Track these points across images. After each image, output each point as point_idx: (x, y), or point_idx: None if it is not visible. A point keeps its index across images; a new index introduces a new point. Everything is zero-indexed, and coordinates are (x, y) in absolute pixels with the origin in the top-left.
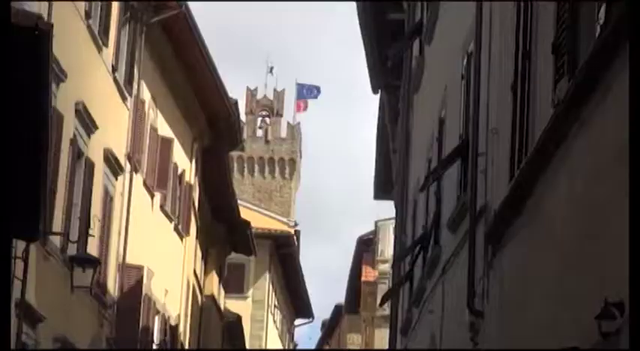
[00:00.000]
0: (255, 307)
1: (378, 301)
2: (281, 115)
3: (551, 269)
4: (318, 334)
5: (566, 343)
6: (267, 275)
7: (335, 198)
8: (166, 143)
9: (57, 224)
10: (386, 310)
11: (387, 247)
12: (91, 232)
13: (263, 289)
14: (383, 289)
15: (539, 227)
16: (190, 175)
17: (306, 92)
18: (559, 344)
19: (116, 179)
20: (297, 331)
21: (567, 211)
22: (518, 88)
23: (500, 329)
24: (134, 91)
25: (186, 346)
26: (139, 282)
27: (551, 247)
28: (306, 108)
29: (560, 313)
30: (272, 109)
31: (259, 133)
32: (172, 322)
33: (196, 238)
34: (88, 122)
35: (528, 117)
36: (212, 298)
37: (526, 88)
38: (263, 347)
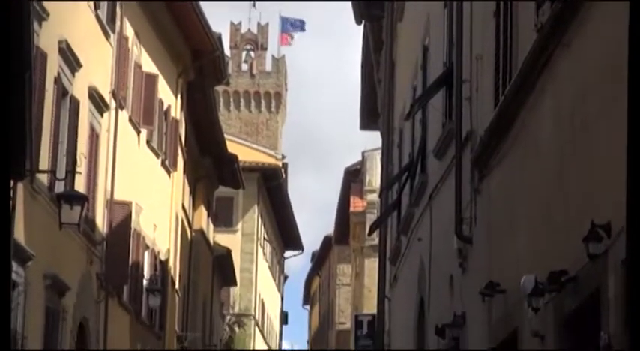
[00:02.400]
0: (245, 240)
1: (367, 230)
2: (265, 49)
3: (538, 193)
4: (308, 266)
5: (554, 266)
6: (256, 208)
7: (322, 130)
8: (151, 79)
9: (44, 162)
10: (375, 239)
11: (374, 177)
12: (78, 169)
13: (252, 222)
14: (371, 219)
15: (526, 151)
16: (176, 111)
17: (291, 26)
18: (547, 267)
19: (102, 116)
20: (287, 263)
21: (553, 135)
22: (500, 13)
23: (489, 254)
24: (117, 28)
25: (177, 280)
26: (128, 218)
27: (538, 171)
28: (290, 41)
29: (548, 236)
30: (256, 43)
31: (244, 67)
32: (162, 257)
33: (184, 172)
34: (72, 60)
35: (512, 42)
36: (201, 232)
37: (509, 14)
38: (253, 279)
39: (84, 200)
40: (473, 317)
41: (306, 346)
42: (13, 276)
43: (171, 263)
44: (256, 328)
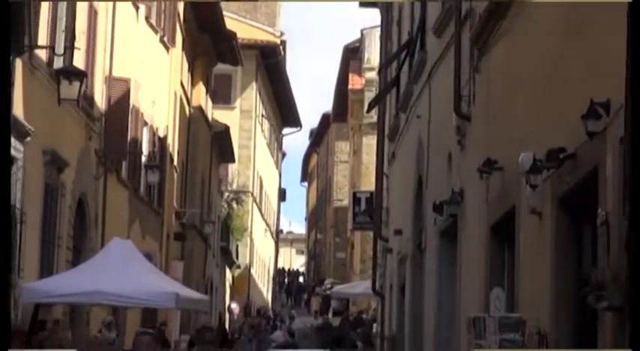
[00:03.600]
0: (243, 117)
1: (366, 108)
2: None
3: (537, 71)
4: (306, 143)
5: (552, 144)
6: (254, 85)
7: (321, 7)
8: None
9: (42, 38)
10: (373, 116)
11: (373, 55)
12: (76, 45)
13: (250, 99)
14: (370, 96)
15: (525, 29)
16: None
17: None
18: (545, 145)
19: None
20: (285, 140)
21: (553, 13)
22: None
23: (487, 132)
24: None
25: (175, 156)
26: (126, 94)
27: (537, 50)
28: None
29: (547, 114)
30: None
31: None
32: (161, 134)
33: (182, 49)
34: None
35: None
36: (200, 109)
37: None
38: (251, 156)
39: (83, 76)
40: (471, 194)
41: (303, 223)
42: (12, 152)
43: (169, 140)
44: (254, 204)
